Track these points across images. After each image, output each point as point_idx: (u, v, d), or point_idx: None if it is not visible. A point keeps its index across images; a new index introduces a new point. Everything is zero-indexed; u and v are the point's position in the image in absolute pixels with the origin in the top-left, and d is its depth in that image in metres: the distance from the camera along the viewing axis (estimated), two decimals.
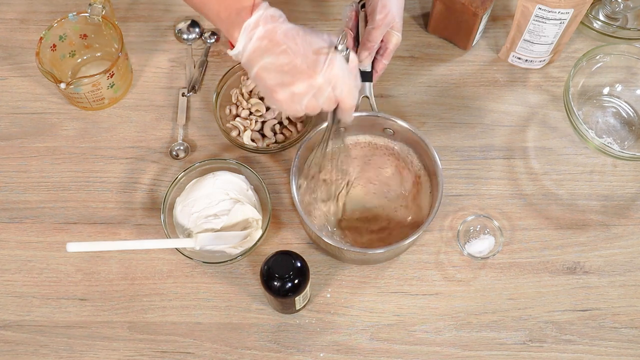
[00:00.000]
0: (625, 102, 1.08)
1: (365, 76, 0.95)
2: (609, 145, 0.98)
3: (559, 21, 0.99)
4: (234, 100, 1.05)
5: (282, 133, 1.03)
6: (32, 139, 1.05)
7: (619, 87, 1.08)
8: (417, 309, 0.94)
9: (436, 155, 0.93)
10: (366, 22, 0.90)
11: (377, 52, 0.93)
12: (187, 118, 1.06)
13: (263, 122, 1.03)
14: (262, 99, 1.03)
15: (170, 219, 0.96)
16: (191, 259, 0.92)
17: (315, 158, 0.95)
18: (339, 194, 0.97)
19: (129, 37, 1.12)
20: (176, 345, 0.92)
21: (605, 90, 1.08)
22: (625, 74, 1.06)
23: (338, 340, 0.93)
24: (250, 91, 1.04)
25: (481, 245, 0.96)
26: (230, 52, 0.79)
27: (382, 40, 0.91)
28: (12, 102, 1.08)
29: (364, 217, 0.97)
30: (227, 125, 1.04)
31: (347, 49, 0.77)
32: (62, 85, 0.97)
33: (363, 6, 0.91)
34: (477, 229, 0.98)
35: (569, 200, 1.01)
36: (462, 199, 1.01)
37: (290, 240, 0.98)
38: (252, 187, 0.98)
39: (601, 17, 1.14)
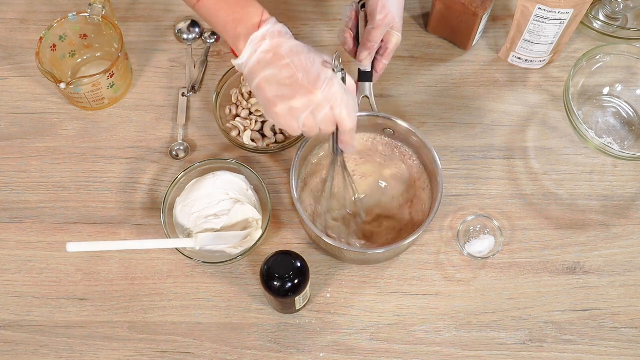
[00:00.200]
0: (625, 102, 1.08)
1: (365, 76, 0.95)
2: (609, 145, 0.98)
3: (559, 21, 1.00)
4: (234, 100, 1.05)
5: (282, 133, 1.03)
6: (32, 139, 1.05)
7: (619, 87, 1.08)
8: (417, 309, 0.94)
9: (436, 155, 0.93)
10: (366, 22, 0.90)
11: (377, 52, 0.93)
12: (187, 118, 1.06)
13: (263, 122, 1.03)
14: None
15: (170, 219, 0.96)
16: (191, 259, 0.92)
17: (324, 193, 0.95)
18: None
19: (129, 37, 1.12)
20: (176, 345, 0.92)
21: (605, 90, 1.08)
22: (625, 74, 1.06)
23: (338, 340, 0.93)
24: (250, 91, 1.04)
25: (481, 245, 0.96)
26: (234, 62, 0.80)
27: (382, 40, 0.91)
28: (12, 102, 1.08)
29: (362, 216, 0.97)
30: (227, 125, 1.04)
31: (342, 70, 0.78)
32: (62, 85, 0.97)
33: (363, 6, 0.91)
34: (477, 229, 0.98)
35: (569, 200, 1.01)
36: (462, 199, 1.01)
37: (290, 240, 0.98)
38: (252, 187, 0.98)
39: (601, 17, 1.14)
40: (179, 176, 0.96)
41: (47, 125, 1.06)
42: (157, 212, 0.98)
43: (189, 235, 0.95)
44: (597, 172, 1.03)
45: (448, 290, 0.95)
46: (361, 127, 0.99)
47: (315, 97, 0.76)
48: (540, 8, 0.98)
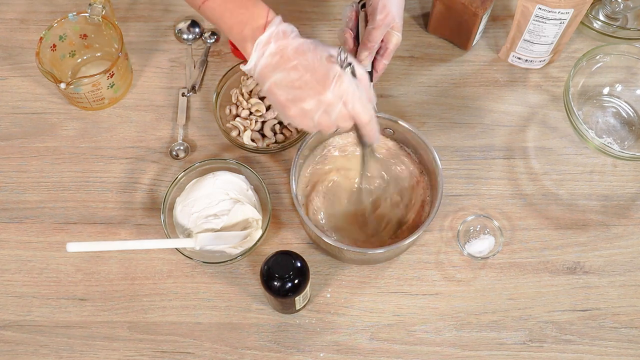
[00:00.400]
0: (625, 102, 1.08)
1: None
2: (609, 145, 0.98)
3: (559, 21, 1.00)
4: (234, 100, 1.05)
5: (282, 133, 1.03)
6: (32, 139, 1.05)
7: (619, 87, 1.08)
8: (417, 309, 0.94)
9: (436, 155, 0.93)
10: (366, 22, 0.90)
11: (377, 52, 0.93)
12: (187, 118, 1.06)
13: (263, 122, 1.03)
14: (262, 99, 1.03)
15: (170, 219, 0.96)
16: (191, 259, 0.92)
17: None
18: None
19: (129, 37, 1.12)
20: (176, 345, 0.92)
21: (605, 90, 1.08)
22: (625, 74, 1.06)
23: (338, 340, 0.93)
24: (250, 91, 1.04)
25: (481, 245, 0.96)
26: (244, 67, 0.80)
27: (382, 40, 0.91)
28: (12, 102, 1.08)
29: (362, 216, 0.97)
30: (227, 125, 1.04)
31: (350, 64, 0.77)
32: (62, 85, 0.97)
33: (363, 6, 0.91)
34: (477, 229, 0.98)
35: (569, 200, 1.01)
36: (462, 199, 1.01)
37: (290, 240, 0.98)
38: (252, 187, 0.98)
39: (601, 17, 1.14)
40: (179, 176, 0.96)
41: (47, 125, 1.06)
42: (157, 212, 0.98)
43: (189, 235, 0.95)
44: (597, 172, 1.03)
45: (448, 290, 0.95)
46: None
47: (325, 97, 0.76)
48: (540, 8, 0.98)
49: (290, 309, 0.91)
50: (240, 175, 0.98)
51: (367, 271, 0.96)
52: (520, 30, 1.04)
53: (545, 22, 1.00)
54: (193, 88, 1.08)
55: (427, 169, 0.98)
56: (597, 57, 1.04)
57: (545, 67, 1.10)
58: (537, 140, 1.05)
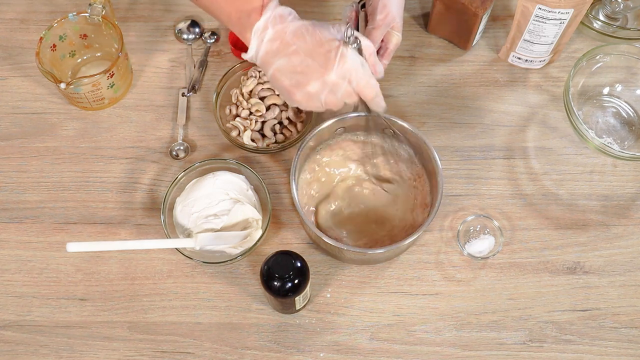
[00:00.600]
0: (625, 102, 1.08)
1: None
2: (609, 145, 0.98)
3: (559, 21, 1.00)
4: (234, 100, 1.05)
5: (282, 133, 1.03)
6: (32, 139, 1.05)
7: (619, 87, 1.08)
8: (417, 309, 0.94)
9: (436, 155, 0.93)
10: (366, 22, 0.90)
11: (377, 52, 0.93)
12: (187, 118, 1.06)
13: (263, 122, 1.03)
14: (262, 99, 1.03)
15: (170, 219, 0.96)
16: (191, 259, 0.92)
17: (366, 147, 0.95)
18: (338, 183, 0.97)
19: (129, 37, 1.12)
20: (176, 345, 0.92)
21: (605, 90, 1.08)
22: (625, 74, 1.06)
23: (338, 340, 0.93)
24: (250, 91, 1.04)
25: (481, 245, 0.96)
26: (245, 55, 0.79)
27: (382, 40, 0.91)
28: (12, 102, 1.08)
29: (363, 217, 0.97)
30: (227, 125, 1.04)
31: (356, 40, 0.77)
32: (62, 85, 0.97)
33: (363, 6, 0.91)
34: (477, 229, 0.98)
35: (569, 200, 1.01)
36: (462, 199, 1.01)
37: (290, 240, 0.98)
38: (252, 187, 0.98)
39: (601, 17, 1.14)
40: (179, 176, 0.96)
41: (47, 125, 1.06)
42: (157, 212, 0.98)
43: (189, 235, 0.95)
44: (597, 172, 1.03)
45: (448, 290, 0.95)
46: (361, 127, 0.99)
47: (329, 77, 0.76)
48: (540, 8, 0.98)
49: (290, 309, 0.91)
50: (240, 175, 0.98)
51: (367, 271, 0.96)
52: (520, 30, 1.04)
53: (545, 22, 1.00)
54: (193, 88, 1.08)
55: (427, 169, 0.98)
56: (597, 57, 1.04)
57: (545, 67, 1.10)
58: (537, 140, 1.05)
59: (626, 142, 1.05)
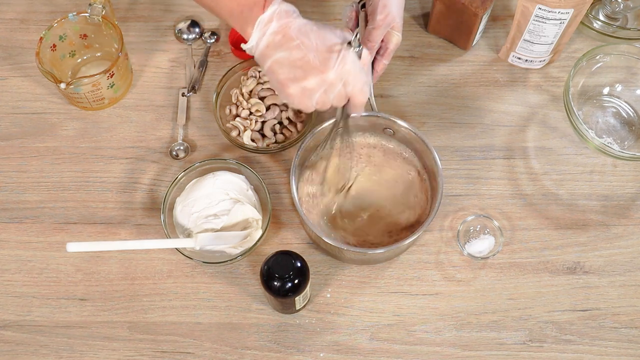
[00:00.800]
0: (625, 102, 1.08)
1: None
2: (609, 145, 0.98)
3: (559, 21, 1.00)
4: (234, 100, 1.05)
5: (282, 133, 1.03)
6: (32, 139, 1.05)
7: (619, 87, 1.08)
8: (417, 309, 0.94)
9: (436, 155, 0.93)
10: (366, 22, 0.90)
11: (377, 52, 0.93)
12: (187, 118, 1.06)
13: (263, 122, 1.03)
14: (262, 99, 1.03)
15: (170, 219, 0.96)
16: (191, 259, 0.92)
17: (322, 151, 0.94)
18: (341, 189, 0.97)
19: (129, 37, 1.12)
20: (176, 345, 0.92)
21: (605, 90, 1.08)
22: (625, 74, 1.06)
23: (338, 340, 0.93)
24: (250, 91, 1.04)
25: (481, 245, 0.96)
26: (244, 46, 0.79)
27: (382, 40, 0.91)
28: (12, 102, 1.08)
29: (363, 217, 0.97)
30: (227, 125, 1.04)
31: (359, 45, 0.78)
32: (62, 85, 0.97)
33: (363, 6, 0.91)
34: (477, 229, 0.98)
35: (569, 200, 1.01)
36: (462, 199, 1.01)
37: (290, 240, 0.98)
38: (252, 187, 0.98)
39: (601, 17, 1.14)
40: (179, 176, 0.96)
41: (47, 125, 1.06)
42: (157, 212, 0.98)
43: (189, 235, 0.95)
44: (597, 172, 1.03)
45: (448, 290, 0.95)
46: (361, 127, 0.99)
47: (327, 76, 0.76)
48: (540, 8, 0.98)
49: (290, 309, 0.91)
50: (240, 175, 0.98)
51: (367, 271, 0.96)
52: (520, 30, 1.04)
53: (545, 22, 1.00)
54: (193, 88, 1.08)
55: (427, 169, 0.98)
56: (597, 57, 1.04)
57: (545, 67, 1.10)
58: (537, 140, 1.05)
59: (626, 142, 1.05)
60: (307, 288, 0.86)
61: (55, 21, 1.02)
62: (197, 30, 1.13)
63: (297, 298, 0.85)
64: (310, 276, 0.85)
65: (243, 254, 0.92)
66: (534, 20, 1.00)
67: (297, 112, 1.04)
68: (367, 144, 1.00)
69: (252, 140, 1.02)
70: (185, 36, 1.12)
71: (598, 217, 1.00)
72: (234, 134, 1.02)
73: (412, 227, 0.95)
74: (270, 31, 0.76)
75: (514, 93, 1.09)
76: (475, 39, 1.10)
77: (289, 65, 0.76)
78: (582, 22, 1.10)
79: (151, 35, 1.13)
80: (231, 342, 0.92)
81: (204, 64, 1.10)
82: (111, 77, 1.01)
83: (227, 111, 1.05)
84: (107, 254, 0.97)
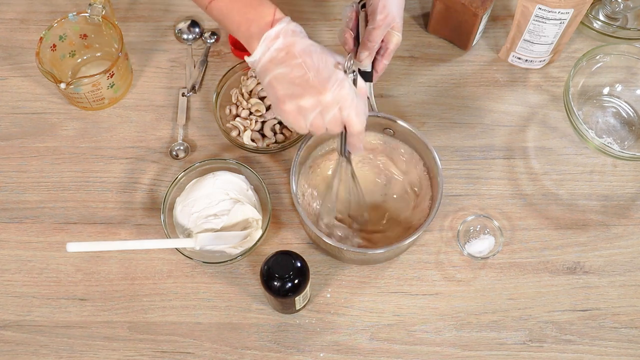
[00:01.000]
0: (625, 102, 1.08)
1: (365, 76, 0.94)
2: (609, 145, 0.98)
3: (559, 21, 1.00)
4: (234, 100, 1.05)
5: (282, 133, 1.03)
6: (32, 139, 1.05)
7: (619, 87, 1.08)
8: (417, 309, 0.94)
9: (436, 155, 0.93)
10: (366, 22, 0.90)
11: (377, 52, 0.92)
12: (187, 118, 1.06)
13: (263, 122, 1.03)
14: (262, 99, 1.03)
15: (170, 219, 0.96)
16: (191, 259, 0.92)
17: (329, 194, 0.94)
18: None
19: (129, 37, 1.12)
20: (176, 345, 0.92)
21: (605, 90, 1.08)
22: (625, 74, 1.06)
23: (338, 340, 0.93)
24: (250, 91, 1.04)
25: (481, 245, 0.96)
26: (247, 59, 0.80)
27: (382, 41, 0.91)
28: (12, 102, 1.08)
29: (363, 217, 0.97)
30: (227, 125, 1.04)
31: (354, 72, 0.78)
32: (62, 85, 0.97)
33: (363, 6, 0.91)
34: (477, 229, 0.98)
35: (569, 200, 1.01)
36: (462, 199, 1.01)
37: (290, 240, 0.98)
38: (252, 187, 0.98)
39: (601, 17, 1.14)
40: (179, 176, 0.96)
41: (47, 125, 1.06)
42: (157, 212, 0.98)
43: (189, 235, 0.95)
44: (597, 172, 1.03)
45: (448, 290, 0.95)
46: None
47: (324, 97, 0.76)
48: (540, 8, 0.98)
49: (290, 309, 0.91)
50: (240, 175, 0.98)
51: (367, 271, 0.96)
52: (520, 30, 1.04)
53: (545, 22, 1.00)
54: (193, 88, 1.08)
55: (427, 169, 0.98)
56: (597, 57, 1.04)
57: (545, 67, 1.10)
58: (537, 140, 1.05)
59: (626, 142, 1.05)
60: (307, 288, 0.86)
61: (55, 21, 1.02)
62: (197, 30, 1.13)
63: (297, 298, 0.85)
64: (310, 276, 0.85)
65: (243, 254, 0.92)
66: (534, 20, 1.00)
67: None
68: (366, 144, 1.00)
69: (252, 140, 1.02)
70: (185, 36, 1.12)
71: (598, 217, 1.00)
72: (234, 134, 1.03)
73: (412, 227, 0.95)
74: (275, 47, 0.77)
75: (514, 93, 1.09)
76: (475, 39, 1.10)
77: (288, 81, 0.77)
78: (582, 22, 1.10)
79: (151, 35, 1.13)
80: (231, 342, 0.92)
81: (204, 64, 1.10)
82: (111, 77, 1.01)
83: (227, 111, 1.05)
84: (107, 254, 0.97)
